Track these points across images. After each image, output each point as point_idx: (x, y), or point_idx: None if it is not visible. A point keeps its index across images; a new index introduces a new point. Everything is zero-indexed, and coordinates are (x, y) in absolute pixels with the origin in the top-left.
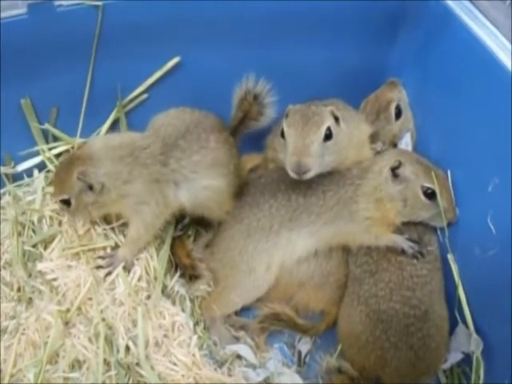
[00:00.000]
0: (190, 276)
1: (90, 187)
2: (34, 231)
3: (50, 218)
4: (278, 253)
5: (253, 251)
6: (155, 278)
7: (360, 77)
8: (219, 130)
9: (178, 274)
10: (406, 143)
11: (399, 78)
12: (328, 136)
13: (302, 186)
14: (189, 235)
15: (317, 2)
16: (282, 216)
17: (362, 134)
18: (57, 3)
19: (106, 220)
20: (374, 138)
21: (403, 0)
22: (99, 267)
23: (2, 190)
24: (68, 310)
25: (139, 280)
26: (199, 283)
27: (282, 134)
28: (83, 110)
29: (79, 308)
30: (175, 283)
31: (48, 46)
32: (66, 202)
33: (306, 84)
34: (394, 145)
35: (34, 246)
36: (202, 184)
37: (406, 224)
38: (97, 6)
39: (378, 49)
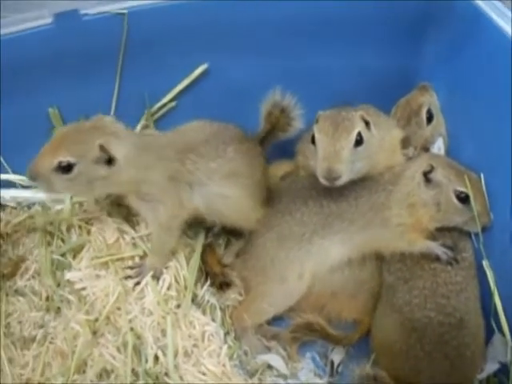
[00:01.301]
0: (221, 284)
1: (109, 160)
2: (62, 240)
3: (79, 227)
4: (311, 261)
5: (285, 259)
6: (185, 287)
7: (390, 82)
8: (240, 141)
9: (208, 282)
10: (439, 148)
11: (430, 82)
12: (359, 141)
13: (333, 192)
14: (219, 244)
15: (343, 6)
16: (314, 223)
17: (394, 139)
18: (82, 12)
19: (135, 228)
20: (405, 143)
21: (431, 0)
22: (128, 277)
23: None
24: (96, 320)
25: (168, 289)
26: (230, 292)
27: (313, 140)
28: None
29: (107, 317)
30: (205, 292)
31: (75, 55)
32: (66, 168)
33: (334, 90)
34: (426, 149)
35: (63, 255)
36: (216, 191)
37: (440, 230)
38: (122, 14)
39: (408, 52)
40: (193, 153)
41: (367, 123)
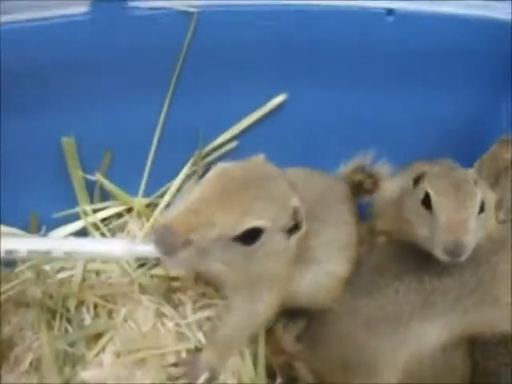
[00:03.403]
0: (288, 379)
1: (293, 228)
2: (68, 321)
3: (95, 305)
4: (406, 350)
5: (375, 350)
6: None
7: (462, 134)
8: (349, 200)
9: (279, 381)
10: None
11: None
12: (482, 207)
13: (432, 264)
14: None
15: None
16: (413, 303)
17: (491, 202)
18: (132, 4)
19: (177, 310)
20: (497, 205)
21: None
22: (174, 379)
23: (25, 266)
24: None
25: None
26: None
27: (425, 203)
28: (150, 157)
29: None
30: None
31: (110, 61)
32: (254, 234)
33: (406, 139)
34: None
35: (72, 344)
36: (329, 269)
37: None
38: (189, 14)
39: (489, 101)
40: (315, 220)
41: (475, 183)
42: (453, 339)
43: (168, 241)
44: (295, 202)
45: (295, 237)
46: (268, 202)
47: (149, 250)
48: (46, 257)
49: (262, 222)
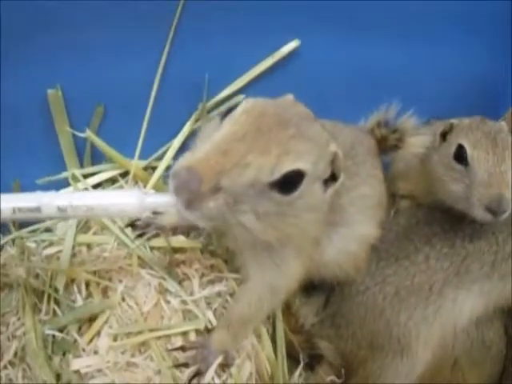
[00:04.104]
0: (310, 358)
1: (331, 178)
2: (57, 303)
3: (87, 283)
4: (440, 321)
5: (407, 322)
6: (270, 377)
7: (472, 89)
8: (378, 155)
9: (302, 365)
10: None
11: None
12: None
13: (465, 227)
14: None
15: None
16: (446, 269)
17: None
18: None
19: (185, 288)
20: None
21: None
22: (181, 366)
23: (5, 240)
24: None
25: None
26: (321, 371)
27: (459, 157)
28: (147, 113)
29: None
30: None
31: (101, 3)
32: (293, 180)
33: (433, 92)
34: None
35: (63, 328)
36: (358, 232)
37: None
38: None
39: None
40: (346, 175)
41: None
42: (488, 310)
43: (192, 187)
44: (334, 147)
45: (332, 189)
46: (308, 143)
47: (165, 200)
48: (35, 216)
49: (304, 165)
